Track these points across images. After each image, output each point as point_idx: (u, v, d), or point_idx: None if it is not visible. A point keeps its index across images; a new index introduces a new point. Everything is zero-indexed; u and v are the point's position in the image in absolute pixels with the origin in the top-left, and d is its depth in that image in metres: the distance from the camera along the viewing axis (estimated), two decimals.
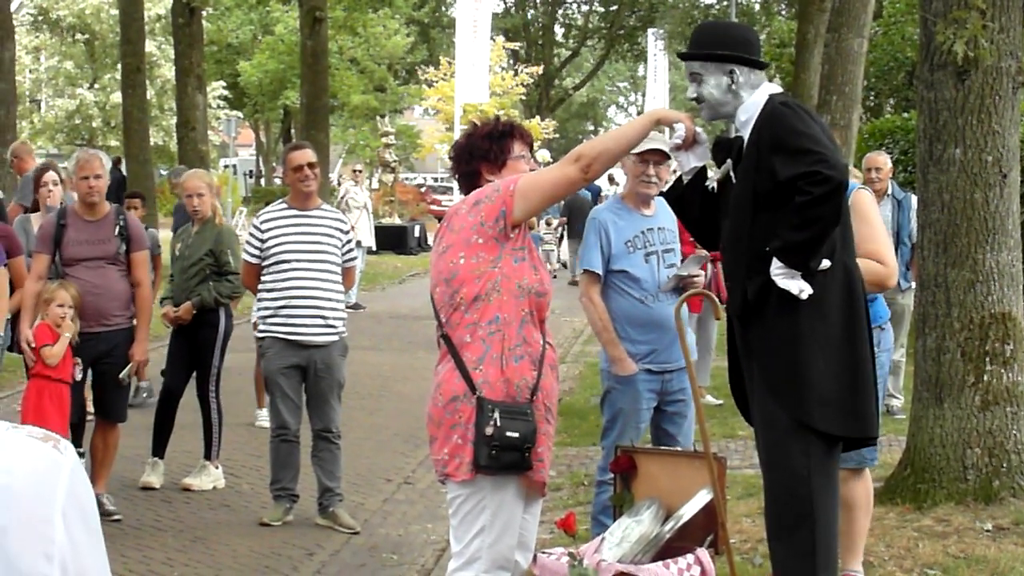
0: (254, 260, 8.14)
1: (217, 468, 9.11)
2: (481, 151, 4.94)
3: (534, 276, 4.75)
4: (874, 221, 5.98)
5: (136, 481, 8.90)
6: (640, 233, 6.62)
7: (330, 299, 8.07)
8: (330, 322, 8.06)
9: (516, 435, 4.60)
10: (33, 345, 7.83)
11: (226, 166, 49.72)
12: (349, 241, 8.30)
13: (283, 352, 8.03)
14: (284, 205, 8.26)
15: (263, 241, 8.08)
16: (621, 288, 6.60)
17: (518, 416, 4.62)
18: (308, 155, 8.22)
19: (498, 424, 4.58)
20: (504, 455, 4.61)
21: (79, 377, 8.04)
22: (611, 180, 31.38)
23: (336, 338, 8.12)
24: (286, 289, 8.01)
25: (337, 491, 8.17)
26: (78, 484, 1.87)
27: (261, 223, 8.18)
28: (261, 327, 8.17)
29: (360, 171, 24.11)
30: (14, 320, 8.44)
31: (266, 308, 8.11)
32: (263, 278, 8.10)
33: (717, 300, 5.64)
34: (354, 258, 8.41)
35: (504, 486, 4.69)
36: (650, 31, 52.59)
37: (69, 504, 1.84)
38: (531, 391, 4.69)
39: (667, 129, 5.07)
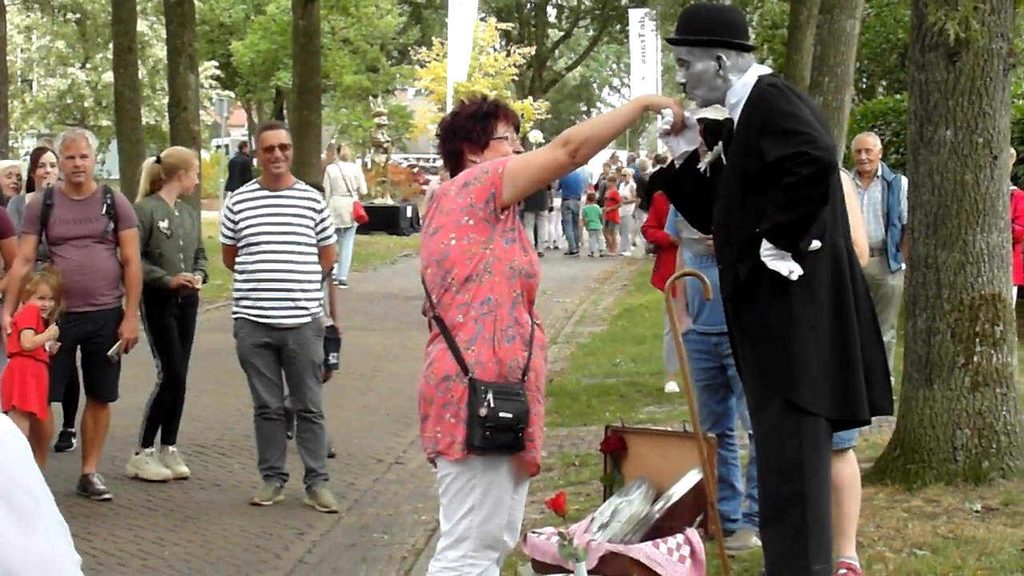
0: (229, 242, 8.14)
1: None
2: (464, 131, 4.93)
3: (524, 257, 4.76)
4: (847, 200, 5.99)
5: (127, 461, 8.85)
6: None
7: (301, 280, 8.00)
8: (301, 304, 8.01)
9: (510, 416, 4.61)
10: (10, 327, 7.79)
11: (218, 146, 49.61)
12: (324, 219, 8.18)
13: (254, 333, 8.02)
14: (256, 186, 8.23)
15: (235, 223, 8.07)
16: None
17: (511, 397, 4.63)
18: (280, 136, 8.15)
19: (492, 405, 4.59)
20: (498, 435, 4.61)
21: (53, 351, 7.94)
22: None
23: (308, 319, 8.06)
24: (256, 271, 7.99)
25: (321, 471, 8.15)
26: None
27: (233, 204, 8.17)
28: (234, 308, 8.17)
29: (337, 147, 24.05)
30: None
31: (238, 290, 8.11)
32: (237, 259, 8.10)
33: (706, 279, 5.63)
34: (329, 236, 8.24)
35: (496, 465, 4.70)
36: (632, 11, 52.41)
37: None
38: (522, 371, 4.70)
39: (659, 116, 5.07)
